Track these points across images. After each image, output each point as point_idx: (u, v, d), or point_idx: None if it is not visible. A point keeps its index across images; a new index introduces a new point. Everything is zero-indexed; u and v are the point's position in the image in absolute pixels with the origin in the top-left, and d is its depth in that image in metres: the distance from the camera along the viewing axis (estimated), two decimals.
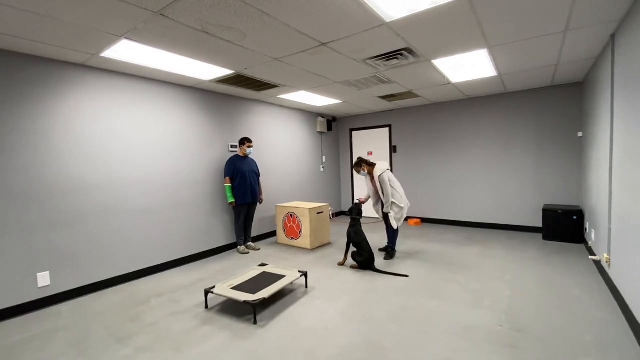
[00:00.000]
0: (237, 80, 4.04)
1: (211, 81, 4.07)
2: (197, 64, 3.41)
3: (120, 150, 3.60)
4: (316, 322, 2.59)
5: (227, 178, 4.51)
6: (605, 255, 3.06)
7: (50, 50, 2.89)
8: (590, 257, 3.50)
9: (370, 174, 4.07)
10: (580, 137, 4.83)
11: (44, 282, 3.03)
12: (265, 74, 3.85)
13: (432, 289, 3.16)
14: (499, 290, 3.08)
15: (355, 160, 4.36)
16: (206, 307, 2.91)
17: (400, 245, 4.85)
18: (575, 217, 4.53)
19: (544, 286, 3.13)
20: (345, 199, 7.76)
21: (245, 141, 4.61)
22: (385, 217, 4.10)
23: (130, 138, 3.70)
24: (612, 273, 2.93)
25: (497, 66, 3.86)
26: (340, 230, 6.04)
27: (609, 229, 2.98)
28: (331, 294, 3.14)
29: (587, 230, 4.21)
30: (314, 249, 4.78)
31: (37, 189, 2.99)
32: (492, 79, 4.45)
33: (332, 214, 7.38)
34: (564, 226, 4.63)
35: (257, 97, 5.18)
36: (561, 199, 5.10)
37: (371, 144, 7.21)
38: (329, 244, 5.09)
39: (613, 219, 2.88)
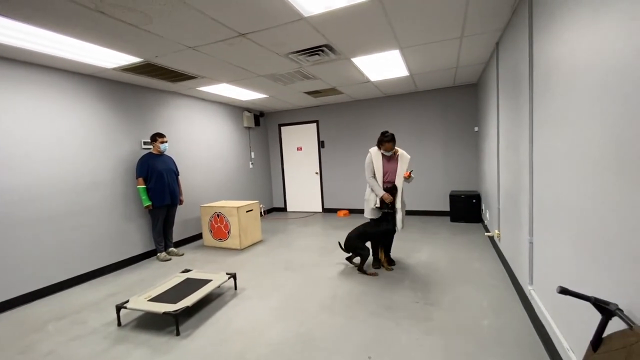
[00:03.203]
0: (146, 69, 3.64)
1: (115, 69, 3.59)
2: (96, 49, 2.97)
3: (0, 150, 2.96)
4: (246, 324, 2.51)
5: (140, 179, 4.06)
6: (496, 231, 3.61)
7: None
8: (485, 233, 4.10)
9: (396, 153, 3.44)
10: (477, 131, 5.59)
11: None
12: (179, 63, 3.54)
13: (360, 276, 3.33)
14: (416, 269, 3.40)
15: (389, 134, 3.30)
16: (119, 324, 2.59)
17: (329, 236, 5.01)
18: (474, 201, 5.25)
19: (451, 262, 3.56)
20: (276, 195, 7.69)
21: (157, 137, 4.19)
22: (390, 214, 3.39)
23: (14, 134, 3.05)
24: (501, 246, 3.48)
25: (408, 66, 4.21)
26: (272, 227, 5.97)
27: (498, 209, 3.51)
28: (262, 292, 3.08)
29: (484, 211, 4.92)
30: (244, 249, 4.64)
31: None
32: (405, 78, 4.84)
33: (264, 211, 7.26)
34: (467, 209, 5.32)
35: (173, 89, 4.76)
36: (464, 185, 5.85)
37: (300, 139, 7.26)
38: (260, 242, 4.99)
39: (501, 199, 3.41)
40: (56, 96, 3.44)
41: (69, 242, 3.51)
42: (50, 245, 3.34)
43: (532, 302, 2.29)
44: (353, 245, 3.39)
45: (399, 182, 3.36)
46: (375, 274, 3.34)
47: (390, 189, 3.34)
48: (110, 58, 3.23)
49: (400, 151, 3.43)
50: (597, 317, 1.32)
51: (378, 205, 3.39)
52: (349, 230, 5.29)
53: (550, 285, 1.90)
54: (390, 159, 3.43)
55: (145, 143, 4.41)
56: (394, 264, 3.60)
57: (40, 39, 2.67)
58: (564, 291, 1.16)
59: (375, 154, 3.42)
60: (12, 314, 2.90)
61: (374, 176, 3.42)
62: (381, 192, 3.33)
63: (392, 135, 3.30)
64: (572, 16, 1.49)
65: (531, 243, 2.25)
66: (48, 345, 2.36)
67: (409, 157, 3.42)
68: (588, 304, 1.41)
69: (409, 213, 6.31)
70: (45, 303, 3.12)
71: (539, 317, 2.13)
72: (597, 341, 1.10)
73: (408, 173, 3.33)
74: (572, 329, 1.59)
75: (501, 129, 3.32)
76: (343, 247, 3.51)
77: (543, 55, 1.91)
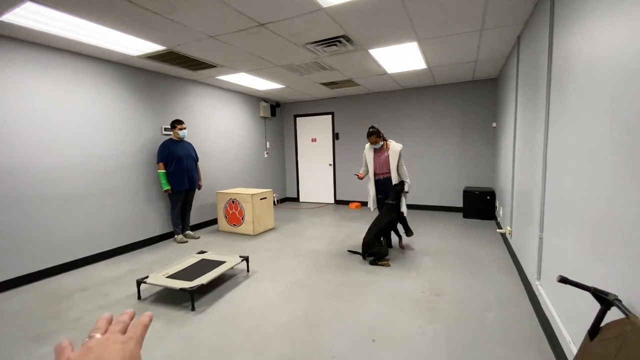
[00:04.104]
0: (169, 57, 3.77)
1: (140, 57, 3.73)
2: (123, 37, 3.10)
3: (29, 133, 3.14)
4: (256, 304, 2.63)
5: (161, 164, 4.23)
6: (508, 228, 3.59)
7: None
8: (497, 230, 4.07)
9: (385, 146, 3.67)
10: (494, 127, 5.49)
11: None
12: (201, 52, 3.65)
13: (367, 266, 3.40)
14: (424, 262, 3.44)
15: (372, 129, 3.57)
16: (139, 298, 2.76)
17: (340, 227, 5.09)
18: (488, 197, 5.19)
19: (460, 257, 3.57)
20: (290, 184, 7.81)
21: (176, 124, 4.35)
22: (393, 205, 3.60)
23: (45, 118, 3.25)
24: (512, 242, 3.46)
25: (426, 59, 4.18)
26: (284, 216, 6.10)
27: (512, 206, 3.49)
28: (273, 276, 3.20)
29: (497, 208, 4.87)
30: (257, 235, 4.78)
31: None
32: (423, 71, 4.79)
33: (277, 200, 7.40)
34: (480, 205, 5.28)
35: (193, 77, 4.89)
36: (479, 181, 5.78)
37: (315, 131, 7.32)
38: (272, 229, 5.12)
39: (514, 195, 3.38)
40: (83, 82, 3.62)
41: (94, 221, 3.72)
42: (76, 223, 3.56)
43: (539, 297, 2.30)
44: (375, 250, 3.40)
45: (393, 174, 3.58)
46: (387, 264, 3.39)
47: (384, 182, 3.69)
48: (135, 45, 3.36)
49: (392, 143, 3.65)
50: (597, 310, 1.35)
51: (373, 203, 3.76)
52: (360, 223, 5.37)
53: (556, 280, 1.91)
54: (381, 152, 3.68)
55: (166, 129, 4.57)
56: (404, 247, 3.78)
57: (71, 26, 2.81)
58: (563, 280, 1.19)
59: (368, 148, 3.78)
60: (42, 284, 3.13)
61: (366, 168, 3.81)
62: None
63: (375, 129, 3.57)
64: (591, 11, 1.48)
65: (541, 239, 2.25)
66: (75, 313, 2.56)
67: (399, 148, 3.60)
68: (589, 297, 1.43)
69: (420, 207, 6.30)
70: (72, 275, 3.34)
71: (544, 311, 2.15)
72: (595, 330, 1.14)
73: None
74: (575, 322, 1.62)
75: (518, 125, 3.27)
76: (362, 254, 3.54)
77: (562, 50, 1.89)
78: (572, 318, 1.65)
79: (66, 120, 3.45)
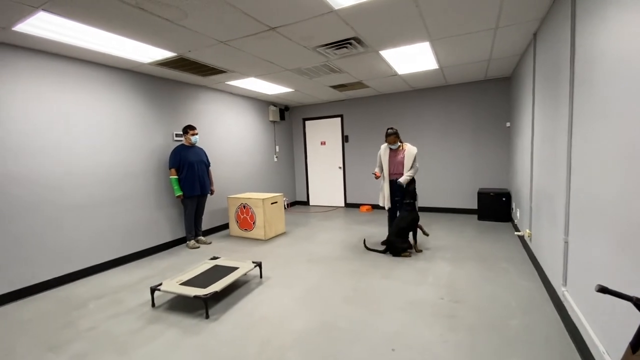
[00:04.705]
0: (180, 63, 3.78)
1: (151, 64, 3.75)
2: (134, 44, 3.12)
3: (43, 140, 3.18)
4: (271, 311, 2.59)
5: (173, 169, 4.24)
6: (527, 231, 3.48)
7: None
8: (515, 233, 3.95)
9: (401, 148, 3.84)
10: (509, 126, 5.37)
11: None
12: (211, 57, 3.65)
13: (382, 270, 3.33)
14: (441, 267, 3.35)
15: (391, 130, 3.77)
16: (153, 305, 2.74)
17: (351, 230, 5.02)
18: (504, 199, 5.06)
19: (478, 261, 3.47)
20: (299, 188, 7.78)
21: (188, 129, 4.36)
22: (398, 204, 3.91)
23: (55, 126, 3.28)
24: (532, 246, 3.35)
25: (438, 59, 4.11)
26: (295, 220, 6.06)
27: (530, 208, 3.38)
28: (286, 282, 3.16)
29: (514, 210, 4.74)
30: (268, 240, 4.74)
31: None
32: (434, 71, 4.72)
33: (287, 204, 7.37)
34: (495, 207, 5.15)
35: (203, 83, 4.91)
36: (493, 182, 5.66)
37: (324, 134, 7.28)
38: (283, 233, 5.08)
39: (533, 197, 3.28)
40: (94, 89, 3.65)
41: (106, 228, 3.74)
42: (89, 230, 3.58)
43: (565, 303, 2.20)
44: (397, 246, 3.69)
45: (405, 174, 3.76)
46: (408, 255, 3.68)
47: (391, 183, 3.89)
48: (146, 53, 3.37)
49: (408, 146, 3.82)
50: (638, 320, 1.26)
51: (387, 201, 3.88)
52: (371, 226, 5.30)
53: (586, 287, 1.82)
54: (397, 153, 3.85)
55: (177, 135, 4.59)
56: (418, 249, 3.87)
57: (82, 34, 2.83)
58: (603, 290, 1.11)
59: (384, 149, 3.92)
60: (56, 292, 3.15)
61: (381, 168, 3.95)
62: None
63: (394, 130, 3.77)
64: (618, 3, 1.40)
65: (566, 243, 2.15)
66: (89, 322, 2.55)
67: (414, 151, 3.78)
68: (628, 306, 1.35)
69: (435, 210, 6.19)
70: (85, 283, 3.35)
71: (572, 319, 2.05)
72: (638, 342, 1.06)
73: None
74: (610, 332, 1.52)
75: (536, 124, 3.17)
76: (384, 251, 3.83)
77: (586, 46, 1.81)
78: (606, 327, 1.56)
79: (76, 127, 3.49)
